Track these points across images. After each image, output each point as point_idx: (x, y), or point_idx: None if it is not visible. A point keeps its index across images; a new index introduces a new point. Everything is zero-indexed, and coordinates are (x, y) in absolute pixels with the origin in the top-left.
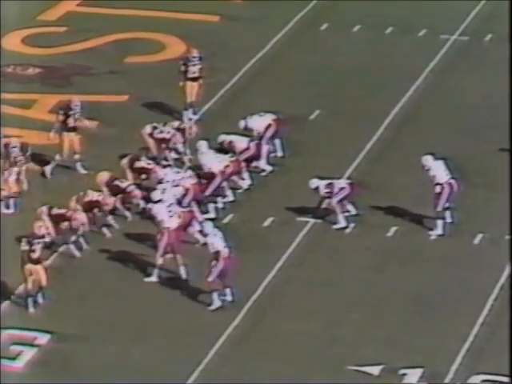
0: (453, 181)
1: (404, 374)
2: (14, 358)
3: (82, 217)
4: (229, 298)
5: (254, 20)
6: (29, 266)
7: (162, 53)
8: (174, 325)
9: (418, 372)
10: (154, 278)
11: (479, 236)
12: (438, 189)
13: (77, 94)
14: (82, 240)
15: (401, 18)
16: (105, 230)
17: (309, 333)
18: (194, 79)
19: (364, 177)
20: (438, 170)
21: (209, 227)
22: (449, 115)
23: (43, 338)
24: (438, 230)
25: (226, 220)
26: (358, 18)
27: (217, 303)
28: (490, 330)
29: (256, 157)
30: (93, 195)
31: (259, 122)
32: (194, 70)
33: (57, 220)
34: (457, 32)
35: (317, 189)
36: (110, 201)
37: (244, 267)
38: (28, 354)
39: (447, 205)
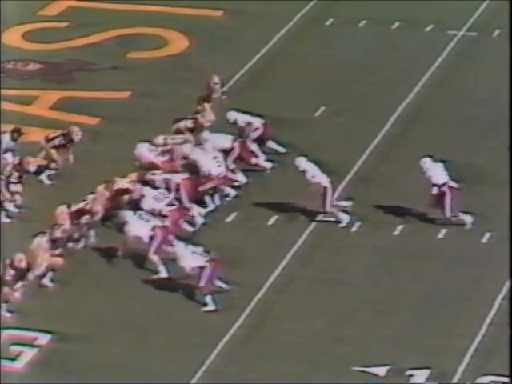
0: (452, 183)
1: (411, 375)
2: (13, 359)
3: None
4: (225, 287)
5: (258, 15)
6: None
7: (164, 48)
8: (176, 324)
9: (425, 373)
10: (163, 274)
11: (487, 235)
12: (434, 190)
13: (78, 90)
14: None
15: (408, 13)
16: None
17: (314, 332)
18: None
19: (370, 174)
20: (436, 172)
21: (181, 248)
22: (456, 111)
23: (43, 339)
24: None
25: (229, 218)
26: (363, 13)
27: (211, 306)
28: (498, 329)
29: (243, 156)
30: (80, 206)
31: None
32: (215, 96)
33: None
34: (464, 27)
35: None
36: (98, 208)
37: (248, 266)
38: (28, 354)
39: (456, 208)
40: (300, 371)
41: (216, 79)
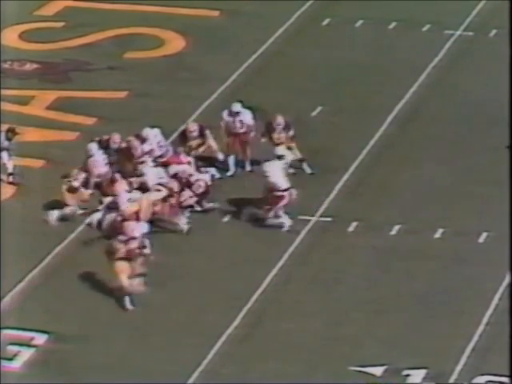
0: (293, 190)
1: (407, 375)
2: (11, 359)
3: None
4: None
5: (254, 15)
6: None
7: (161, 48)
8: (173, 325)
9: (422, 373)
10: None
11: (484, 234)
12: (277, 194)
13: (75, 90)
14: None
15: (405, 13)
16: None
17: (311, 332)
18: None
19: (367, 174)
20: (279, 177)
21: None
22: (453, 111)
23: (41, 338)
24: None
25: (226, 219)
26: (360, 13)
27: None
28: (495, 329)
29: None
30: None
31: (249, 117)
32: (277, 137)
33: None
34: (461, 27)
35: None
36: None
37: (245, 265)
38: (25, 354)
39: (281, 212)
40: (297, 371)
41: (279, 119)
